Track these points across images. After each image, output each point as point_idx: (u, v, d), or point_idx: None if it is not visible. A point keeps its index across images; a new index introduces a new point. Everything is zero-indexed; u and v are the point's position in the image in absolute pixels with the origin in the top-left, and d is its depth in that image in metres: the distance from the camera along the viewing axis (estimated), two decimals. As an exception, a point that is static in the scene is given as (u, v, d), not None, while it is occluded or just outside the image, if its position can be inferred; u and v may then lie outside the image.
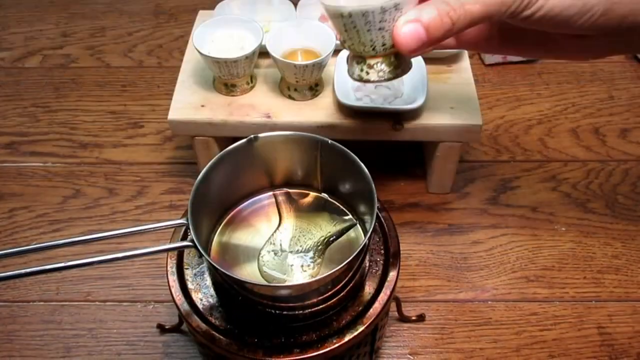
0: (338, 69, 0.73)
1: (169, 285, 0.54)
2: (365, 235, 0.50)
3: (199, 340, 0.52)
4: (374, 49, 0.48)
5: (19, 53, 1.01)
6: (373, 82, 0.50)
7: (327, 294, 0.51)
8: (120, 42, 1.03)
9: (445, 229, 0.77)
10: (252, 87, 0.74)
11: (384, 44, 0.47)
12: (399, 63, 0.49)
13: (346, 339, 0.50)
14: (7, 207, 0.80)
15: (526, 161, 0.85)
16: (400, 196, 0.80)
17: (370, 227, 0.49)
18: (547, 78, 0.96)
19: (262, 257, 0.55)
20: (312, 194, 0.60)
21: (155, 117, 0.90)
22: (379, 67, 0.49)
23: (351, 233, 0.57)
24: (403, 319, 0.68)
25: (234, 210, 0.59)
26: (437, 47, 0.52)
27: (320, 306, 0.51)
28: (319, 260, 0.54)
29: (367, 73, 0.50)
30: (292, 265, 0.54)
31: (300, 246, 0.55)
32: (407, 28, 0.44)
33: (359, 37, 0.47)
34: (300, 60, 0.71)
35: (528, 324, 0.69)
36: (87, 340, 0.67)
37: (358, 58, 0.50)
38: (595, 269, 0.73)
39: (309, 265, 0.54)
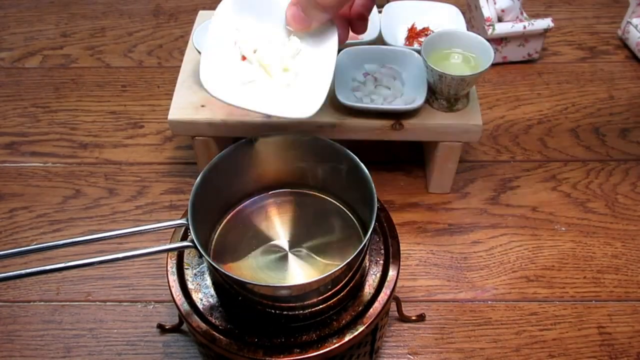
0: (338, 69, 0.73)
1: (169, 285, 0.54)
2: (365, 235, 0.50)
3: (199, 340, 0.52)
4: None
5: (19, 53, 1.01)
6: None
7: (327, 294, 0.51)
8: (120, 42, 1.03)
9: (445, 229, 0.77)
10: (252, 87, 0.74)
11: None
12: None
13: (346, 339, 0.51)
14: (7, 207, 0.80)
15: (526, 161, 0.85)
16: (400, 196, 0.80)
17: (370, 227, 0.49)
18: (547, 78, 0.96)
19: (262, 257, 0.55)
20: (312, 194, 0.60)
21: (155, 117, 0.90)
22: None
23: (351, 233, 0.57)
24: (403, 319, 0.68)
25: (234, 210, 0.59)
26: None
27: (320, 306, 0.51)
28: (318, 260, 0.54)
29: None
30: (292, 265, 0.54)
31: (300, 246, 0.55)
32: (289, 12, 0.51)
33: None
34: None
35: (528, 324, 0.69)
36: (87, 340, 0.68)
37: None
38: (595, 269, 0.73)
39: (308, 265, 0.54)
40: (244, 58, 0.53)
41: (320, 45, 0.54)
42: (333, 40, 0.54)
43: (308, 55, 0.54)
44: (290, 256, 0.55)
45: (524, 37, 0.94)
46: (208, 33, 0.52)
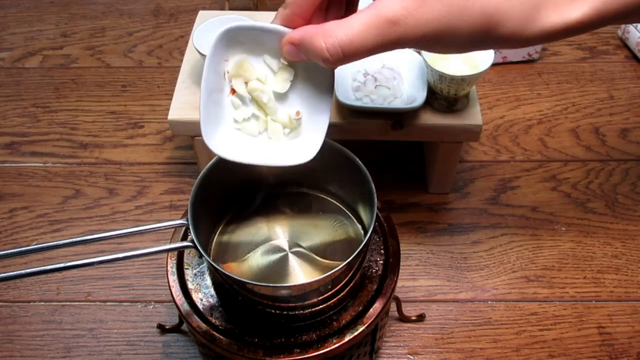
0: (338, 69, 0.73)
1: (169, 285, 0.54)
2: (365, 235, 0.50)
3: (199, 340, 0.52)
4: None
5: (19, 53, 1.01)
6: None
7: (327, 294, 0.51)
8: (120, 42, 1.03)
9: (445, 229, 0.77)
10: (252, 87, 0.74)
11: None
12: None
13: (346, 339, 0.51)
14: (7, 207, 0.80)
15: (526, 161, 0.85)
16: (400, 196, 0.80)
17: (370, 227, 0.49)
18: (547, 78, 0.96)
19: (262, 257, 0.55)
20: (312, 194, 0.60)
21: (155, 117, 0.90)
22: None
23: (351, 233, 0.57)
24: (403, 319, 0.68)
25: (234, 210, 0.59)
26: None
27: (320, 306, 0.51)
28: (318, 260, 0.54)
29: None
30: (292, 265, 0.54)
31: (300, 246, 0.55)
32: (285, 48, 0.48)
33: None
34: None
35: (528, 324, 0.69)
36: (87, 340, 0.68)
37: None
38: (595, 269, 0.73)
39: (308, 265, 0.54)
40: (233, 91, 0.51)
41: (316, 73, 0.51)
42: (328, 70, 0.51)
43: (302, 84, 0.51)
44: (290, 256, 0.55)
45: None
46: (204, 71, 0.49)
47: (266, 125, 0.51)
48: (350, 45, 0.44)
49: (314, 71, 0.50)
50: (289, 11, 0.48)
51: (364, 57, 0.45)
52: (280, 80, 0.51)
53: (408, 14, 0.43)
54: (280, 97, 0.51)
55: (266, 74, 0.50)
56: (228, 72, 0.50)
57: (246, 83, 0.50)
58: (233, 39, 0.49)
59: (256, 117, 0.51)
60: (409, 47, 0.46)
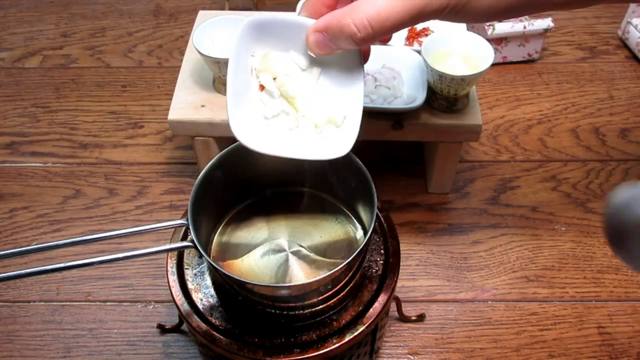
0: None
1: (169, 285, 0.54)
2: (365, 235, 0.50)
3: (199, 340, 0.52)
4: None
5: (19, 53, 1.01)
6: None
7: (327, 294, 0.51)
8: (120, 42, 1.03)
9: (445, 229, 0.77)
10: (252, 87, 0.74)
11: None
12: None
13: (346, 339, 0.51)
14: (7, 207, 0.80)
15: (526, 161, 0.85)
16: (400, 196, 0.80)
17: (370, 227, 0.49)
18: (547, 78, 0.96)
19: (262, 257, 0.55)
20: (312, 194, 0.60)
21: (155, 117, 0.90)
22: None
23: (351, 233, 0.57)
24: (403, 319, 0.68)
25: (234, 210, 0.59)
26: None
27: (320, 306, 0.51)
28: (318, 260, 0.54)
29: None
30: (292, 265, 0.54)
31: (300, 246, 0.55)
32: (312, 37, 0.46)
33: None
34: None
35: (528, 324, 0.69)
36: (87, 340, 0.68)
37: None
38: (595, 269, 0.73)
39: (308, 265, 0.54)
40: (262, 87, 0.49)
41: (344, 68, 0.49)
42: (357, 60, 0.49)
43: (332, 79, 0.50)
44: (290, 256, 0.55)
45: (524, 37, 0.94)
46: (229, 64, 0.47)
47: (297, 122, 0.50)
48: (379, 18, 0.43)
49: (341, 65, 0.49)
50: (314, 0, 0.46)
51: (393, 31, 0.44)
52: (309, 77, 0.49)
53: None
54: (310, 94, 0.50)
55: (294, 69, 0.49)
56: (255, 69, 0.49)
57: (274, 79, 0.49)
58: (257, 34, 0.47)
59: (286, 113, 0.50)
60: (436, 16, 0.44)
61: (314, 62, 0.49)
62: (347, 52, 0.48)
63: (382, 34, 0.44)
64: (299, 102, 0.49)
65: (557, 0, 0.45)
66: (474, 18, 0.46)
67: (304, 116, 0.50)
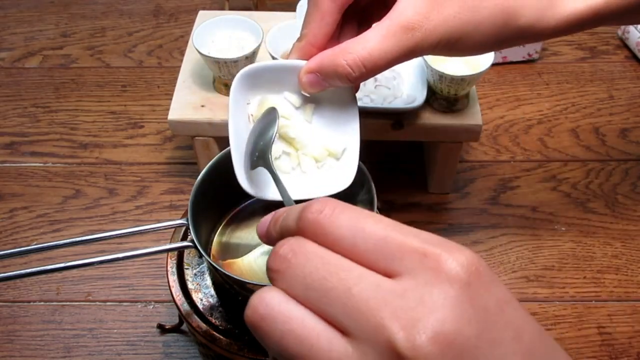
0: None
1: (169, 285, 0.54)
2: (365, 236, 0.50)
3: (200, 340, 0.52)
4: None
5: (19, 53, 1.01)
6: None
7: (327, 294, 0.51)
8: (120, 42, 1.03)
9: (445, 229, 0.77)
10: (252, 87, 0.74)
11: None
12: None
13: (346, 339, 0.50)
14: (7, 207, 0.80)
15: (526, 161, 0.85)
16: (400, 196, 0.80)
17: (370, 227, 0.49)
18: (547, 78, 0.96)
19: (262, 257, 0.55)
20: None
21: (155, 117, 0.90)
22: None
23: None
24: (403, 319, 0.68)
25: (234, 210, 0.59)
26: None
27: (320, 306, 0.51)
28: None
29: None
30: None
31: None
32: (305, 79, 0.47)
33: None
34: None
35: (528, 323, 0.68)
36: (87, 340, 0.68)
37: None
38: (595, 269, 0.73)
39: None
40: None
41: (337, 101, 0.50)
42: (349, 92, 0.50)
43: (326, 113, 0.51)
44: (290, 256, 0.54)
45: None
46: (228, 118, 0.48)
47: (298, 161, 0.51)
48: (371, 59, 0.43)
49: (334, 100, 0.50)
50: (305, 42, 0.47)
51: (385, 68, 0.44)
52: (303, 115, 0.50)
53: (423, 17, 0.43)
54: (306, 130, 0.51)
55: (289, 111, 0.50)
56: (252, 115, 0.50)
57: None
58: (251, 81, 0.49)
59: (287, 154, 0.51)
60: (429, 52, 0.45)
61: (307, 99, 0.50)
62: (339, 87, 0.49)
63: (376, 72, 0.45)
64: (298, 141, 0.50)
65: (548, 32, 0.46)
66: (467, 52, 0.47)
67: (305, 154, 0.51)
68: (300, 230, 0.28)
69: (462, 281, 0.26)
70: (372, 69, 0.44)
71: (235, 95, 0.48)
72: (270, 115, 0.47)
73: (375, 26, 0.44)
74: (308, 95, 0.49)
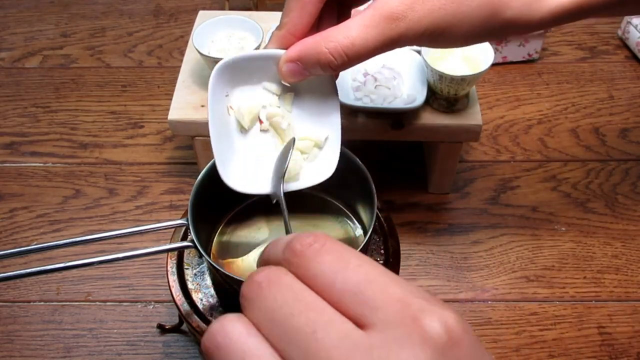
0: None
1: (169, 285, 0.54)
2: (365, 236, 0.50)
3: (199, 340, 0.52)
4: None
5: (19, 53, 1.01)
6: None
7: (327, 294, 0.51)
8: (120, 42, 1.03)
9: (445, 229, 0.77)
10: (252, 87, 0.74)
11: None
12: None
13: (346, 339, 0.50)
14: (7, 207, 0.80)
15: (526, 161, 0.85)
16: (400, 196, 0.80)
17: (370, 227, 0.49)
18: (547, 78, 0.96)
19: (262, 257, 0.55)
20: (312, 194, 0.60)
21: (155, 117, 0.90)
22: None
23: (351, 233, 0.57)
24: (403, 319, 0.68)
25: (234, 210, 0.59)
26: None
27: (320, 306, 0.51)
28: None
29: None
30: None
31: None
32: (285, 68, 0.46)
33: None
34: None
35: (528, 324, 0.69)
36: (87, 340, 0.68)
37: None
38: (595, 269, 0.73)
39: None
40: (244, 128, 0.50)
41: (318, 90, 0.50)
42: (329, 79, 0.49)
43: (306, 102, 0.50)
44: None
45: (523, 37, 0.94)
46: (208, 111, 0.48)
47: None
48: (353, 48, 0.43)
49: (314, 89, 0.50)
50: (284, 31, 0.46)
51: (367, 58, 0.44)
52: (284, 105, 0.50)
53: (407, 7, 0.42)
54: (292, 121, 0.50)
55: (270, 101, 0.50)
56: (231, 107, 0.49)
57: (258, 116, 0.50)
58: (230, 73, 0.48)
59: (274, 146, 0.50)
60: (412, 43, 0.44)
61: (287, 89, 0.50)
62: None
63: (358, 61, 0.44)
64: (287, 133, 0.50)
65: (533, 24, 0.45)
66: (452, 44, 0.46)
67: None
68: (285, 259, 0.27)
69: (437, 346, 0.22)
70: (354, 57, 0.43)
71: (213, 87, 0.48)
72: (287, 145, 0.47)
73: (359, 15, 0.43)
74: (288, 85, 0.49)
